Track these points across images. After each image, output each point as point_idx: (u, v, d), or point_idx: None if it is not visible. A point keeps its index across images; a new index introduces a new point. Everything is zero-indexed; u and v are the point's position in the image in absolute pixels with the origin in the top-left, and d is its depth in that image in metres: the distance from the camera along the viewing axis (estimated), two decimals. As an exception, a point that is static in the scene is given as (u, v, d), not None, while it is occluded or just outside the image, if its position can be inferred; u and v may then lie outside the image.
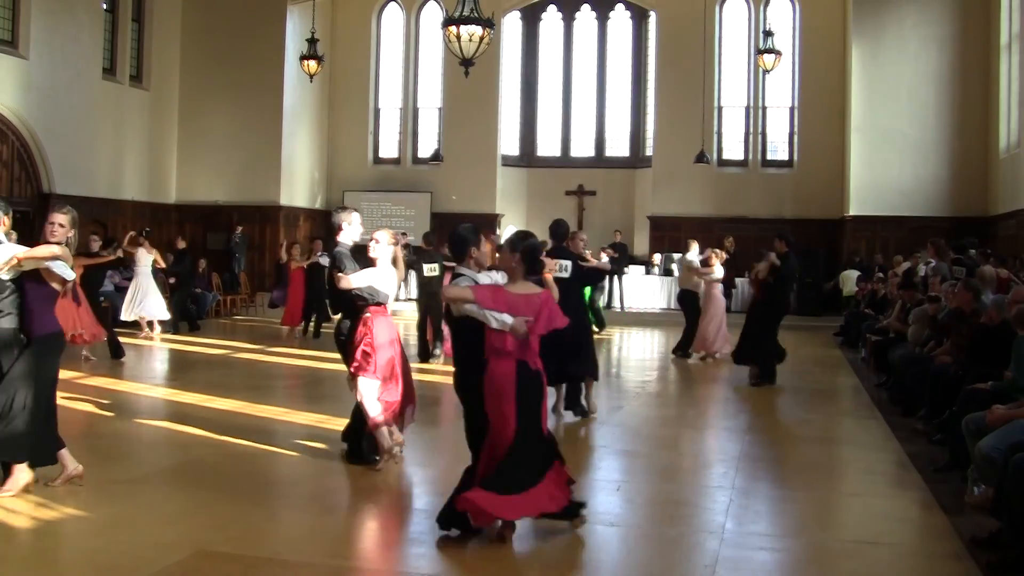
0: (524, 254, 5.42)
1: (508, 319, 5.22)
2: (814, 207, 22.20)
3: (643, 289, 21.79)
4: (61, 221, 6.17)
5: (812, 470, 7.57)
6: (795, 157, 23.26)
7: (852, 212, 21.20)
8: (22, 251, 5.95)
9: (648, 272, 22.07)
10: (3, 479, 6.07)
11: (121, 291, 16.36)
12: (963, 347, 8.26)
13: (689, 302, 14.35)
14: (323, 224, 23.47)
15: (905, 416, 9.20)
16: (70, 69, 18.75)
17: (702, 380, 12.80)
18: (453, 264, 13.82)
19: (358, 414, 7.12)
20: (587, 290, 13.16)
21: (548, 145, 25.61)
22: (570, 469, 5.69)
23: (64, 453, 6.20)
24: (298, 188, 23.52)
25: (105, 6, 20.08)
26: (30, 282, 6.00)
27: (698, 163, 21.62)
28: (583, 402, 9.26)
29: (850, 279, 19.39)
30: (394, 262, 7.09)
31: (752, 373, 11.70)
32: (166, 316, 16.11)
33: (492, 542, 5.34)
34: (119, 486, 6.38)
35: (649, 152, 24.26)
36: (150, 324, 15.83)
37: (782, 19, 22.88)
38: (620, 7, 25.13)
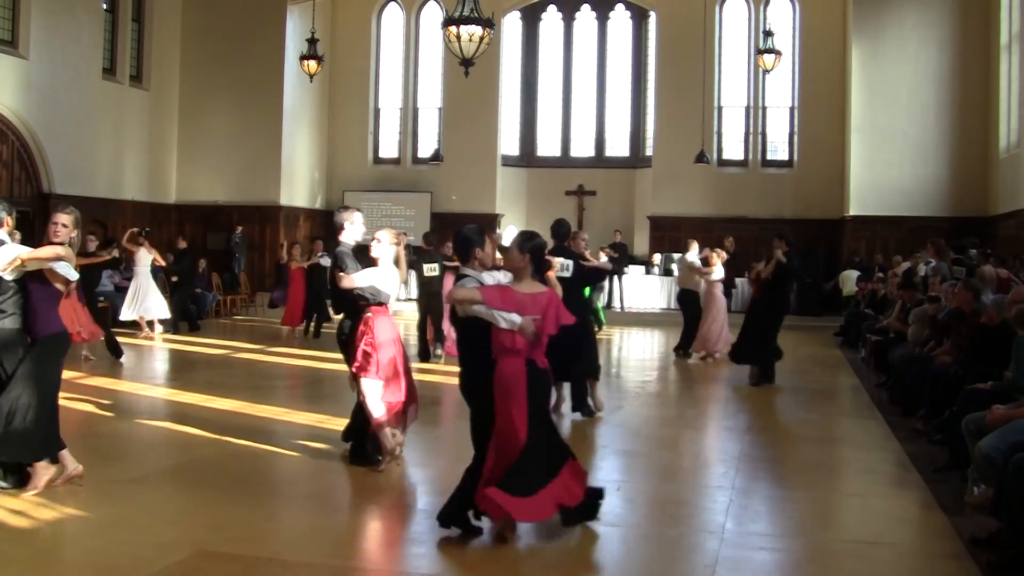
0: (532, 254, 5.45)
1: (517, 319, 5.24)
2: (814, 207, 22.20)
3: (643, 289, 21.79)
4: (64, 221, 6.18)
5: (812, 470, 7.57)
6: (795, 157, 23.26)
7: (852, 212, 21.20)
8: (25, 252, 5.95)
9: (648, 272, 22.07)
10: (4, 477, 6.08)
11: (121, 291, 16.38)
12: (963, 347, 8.27)
13: (689, 302, 14.37)
14: (323, 224, 23.49)
15: (905, 416, 9.21)
16: (70, 69, 18.75)
17: (702, 380, 12.80)
18: (453, 264, 13.90)
19: (358, 414, 7.12)
20: (586, 290, 13.17)
21: (548, 145, 25.61)
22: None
23: (64, 453, 6.22)
24: (298, 188, 23.52)
25: (105, 6, 20.07)
26: (34, 283, 6.01)
27: (698, 163, 21.62)
28: (589, 402, 9.28)
29: (850, 279, 19.40)
30: (396, 262, 7.09)
31: (752, 373, 11.70)
32: (167, 315, 16.11)
33: (493, 542, 5.35)
34: (119, 486, 6.38)
35: (649, 152, 24.26)
36: (150, 324, 15.84)
37: (782, 19, 22.88)
38: (620, 7, 25.13)
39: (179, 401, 9.96)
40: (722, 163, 23.55)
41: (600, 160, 25.19)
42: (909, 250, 17.10)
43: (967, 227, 18.22)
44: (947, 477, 6.77)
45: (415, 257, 13.02)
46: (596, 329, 14.23)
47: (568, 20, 25.49)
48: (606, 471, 7.50)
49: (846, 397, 11.45)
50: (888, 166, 20.68)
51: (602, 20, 25.33)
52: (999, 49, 19.33)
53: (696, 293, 14.34)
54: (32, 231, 15.85)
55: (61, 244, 6.09)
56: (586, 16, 25.42)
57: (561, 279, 8.31)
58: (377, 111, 25.12)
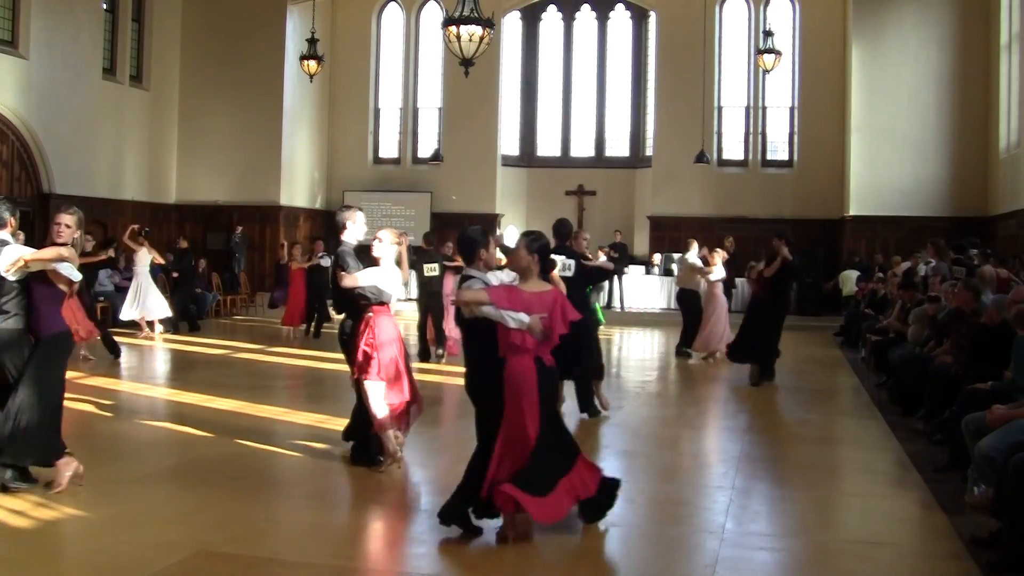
0: (539, 253, 5.49)
1: (525, 318, 5.27)
2: (814, 207, 22.20)
3: (643, 289, 21.79)
4: (67, 222, 6.19)
5: (812, 470, 7.57)
6: (795, 157, 23.26)
7: (852, 212, 21.20)
8: (28, 252, 5.96)
9: (648, 272, 22.06)
10: (21, 478, 6.08)
11: (121, 291, 16.40)
12: (963, 347, 8.26)
13: (689, 301, 14.39)
14: (323, 224, 23.50)
15: (905, 416, 9.21)
16: (70, 69, 18.74)
17: (702, 380, 12.80)
18: (454, 264, 13.90)
19: (359, 414, 7.11)
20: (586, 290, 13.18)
21: (548, 145, 25.61)
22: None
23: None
24: (298, 188, 23.52)
25: (105, 6, 20.07)
26: (37, 283, 6.01)
27: (698, 163, 21.61)
28: (596, 402, 9.30)
29: (850, 279, 19.40)
30: (398, 262, 7.08)
31: (752, 372, 11.71)
32: (169, 313, 16.10)
33: (494, 542, 5.35)
34: (119, 486, 6.38)
35: (649, 152, 24.26)
36: (150, 324, 15.83)
37: (782, 19, 22.87)
38: (620, 7, 25.12)
39: (179, 401, 9.96)
40: (722, 163, 23.55)
41: (600, 160, 25.18)
42: (909, 250, 17.10)
43: (967, 227, 18.22)
44: (947, 477, 6.77)
45: (415, 257, 13.02)
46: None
47: (568, 20, 25.49)
48: (606, 471, 7.45)
49: (846, 397, 11.45)
50: (888, 166, 20.68)
51: (602, 20, 25.33)
52: (999, 49, 19.33)
53: (696, 293, 14.36)
54: (32, 231, 15.85)
55: (64, 244, 6.09)
56: (586, 16, 25.41)
57: (563, 278, 8.33)
58: (377, 111, 25.11)
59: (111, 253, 14.00)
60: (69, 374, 6.62)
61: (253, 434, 8.10)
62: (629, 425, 9.29)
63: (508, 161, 24.74)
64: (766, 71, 19.16)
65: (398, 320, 7.21)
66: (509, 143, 25.03)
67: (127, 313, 15.61)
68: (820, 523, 6.17)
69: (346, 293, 6.97)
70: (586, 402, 9.24)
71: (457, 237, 6.13)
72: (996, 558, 5.03)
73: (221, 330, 17.86)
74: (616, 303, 21.21)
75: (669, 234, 22.74)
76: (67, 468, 6.12)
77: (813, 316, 19.78)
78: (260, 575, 4.92)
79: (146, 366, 13.35)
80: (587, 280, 9.59)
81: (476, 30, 10.91)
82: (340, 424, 7.62)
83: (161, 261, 16.35)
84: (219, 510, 5.96)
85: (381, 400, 6.82)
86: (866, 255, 20.28)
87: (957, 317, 8.75)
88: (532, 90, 25.50)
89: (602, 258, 13.43)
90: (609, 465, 7.74)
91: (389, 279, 6.96)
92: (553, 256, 6.27)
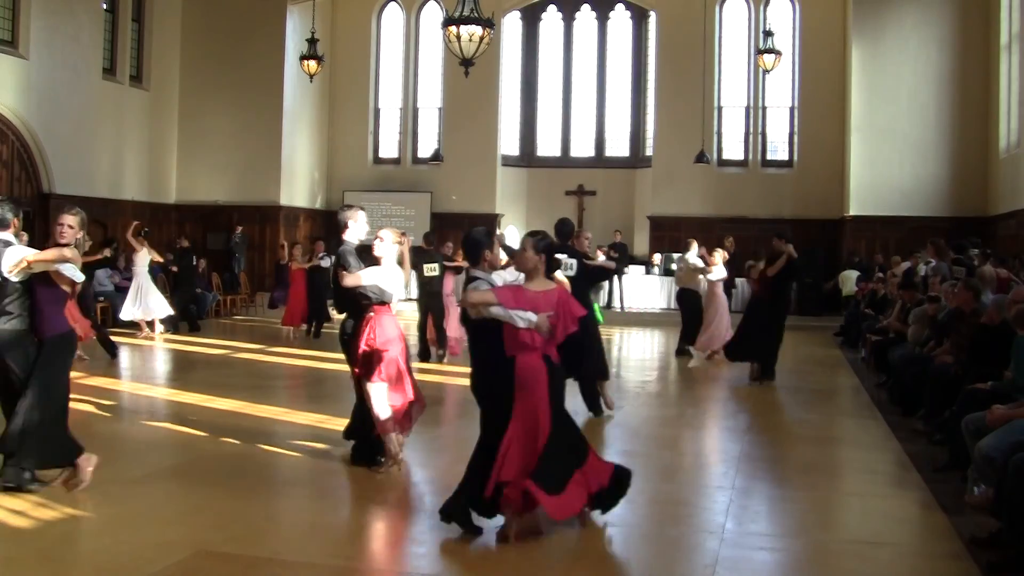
0: (545, 253, 5.54)
1: (533, 317, 5.30)
2: (814, 207, 22.20)
3: (643, 289, 21.79)
4: (70, 223, 6.19)
5: (812, 470, 7.56)
6: (795, 157, 23.26)
7: (852, 212, 21.20)
8: (31, 254, 5.97)
9: (648, 272, 22.06)
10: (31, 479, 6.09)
11: (121, 291, 16.41)
12: (963, 347, 8.26)
13: (689, 301, 14.40)
14: (323, 224, 23.51)
15: (905, 416, 9.21)
16: (70, 69, 18.74)
17: (702, 380, 12.81)
18: (454, 264, 13.89)
19: (359, 413, 7.11)
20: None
21: (548, 145, 25.60)
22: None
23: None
24: (298, 188, 23.52)
25: (105, 6, 20.07)
26: (40, 284, 6.02)
27: (698, 163, 21.61)
28: (601, 402, 9.31)
29: (849, 279, 19.40)
30: (400, 261, 7.06)
31: (753, 370, 11.73)
32: (170, 311, 16.11)
33: (495, 541, 5.35)
34: (119, 486, 6.38)
35: (649, 152, 24.26)
36: (150, 324, 15.84)
37: (782, 19, 22.87)
38: (620, 7, 25.12)
39: (179, 401, 9.96)
40: (722, 163, 23.55)
41: (600, 160, 25.18)
42: (909, 250, 17.09)
43: (967, 227, 18.21)
44: (947, 477, 6.77)
45: (415, 257, 13.02)
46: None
47: (568, 20, 25.49)
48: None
49: (846, 397, 11.45)
50: (888, 166, 20.68)
51: (602, 20, 25.32)
52: (999, 49, 19.33)
53: (696, 292, 14.37)
54: (32, 231, 15.85)
55: (67, 245, 6.09)
56: (586, 16, 25.41)
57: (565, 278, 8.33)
58: (377, 111, 25.11)
59: (107, 253, 13.99)
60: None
61: (253, 434, 8.10)
62: (629, 425, 9.29)
63: (508, 161, 24.74)
64: (766, 71, 19.17)
65: (398, 320, 7.20)
66: (509, 143, 25.03)
67: (129, 313, 15.61)
68: (820, 523, 6.17)
69: (347, 293, 6.95)
70: (591, 402, 9.26)
71: (462, 238, 6.14)
72: (996, 558, 5.03)
73: (221, 330, 17.87)
74: (616, 303, 21.21)
75: (669, 234, 22.74)
76: (88, 463, 6.17)
77: (813, 316, 19.78)
78: (260, 575, 4.92)
79: (146, 366, 13.35)
80: (589, 279, 9.62)
81: (476, 30, 10.91)
82: (340, 424, 7.62)
83: (160, 260, 16.36)
84: (219, 510, 5.96)
85: (384, 402, 6.81)
86: (866, 255, 20.28)
87: (957, 317, 8.75)
88: (532, 90, 25.50)
89: (601, 258, 13.44)
90: (609, 465, 7.76)
91: (391, 278, 6.94)
92: (557, 255, 6.29)
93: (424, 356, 13.13)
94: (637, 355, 16.06)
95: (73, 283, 6.14)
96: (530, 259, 5.49)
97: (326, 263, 16.12)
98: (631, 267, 21.93)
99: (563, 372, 5.62)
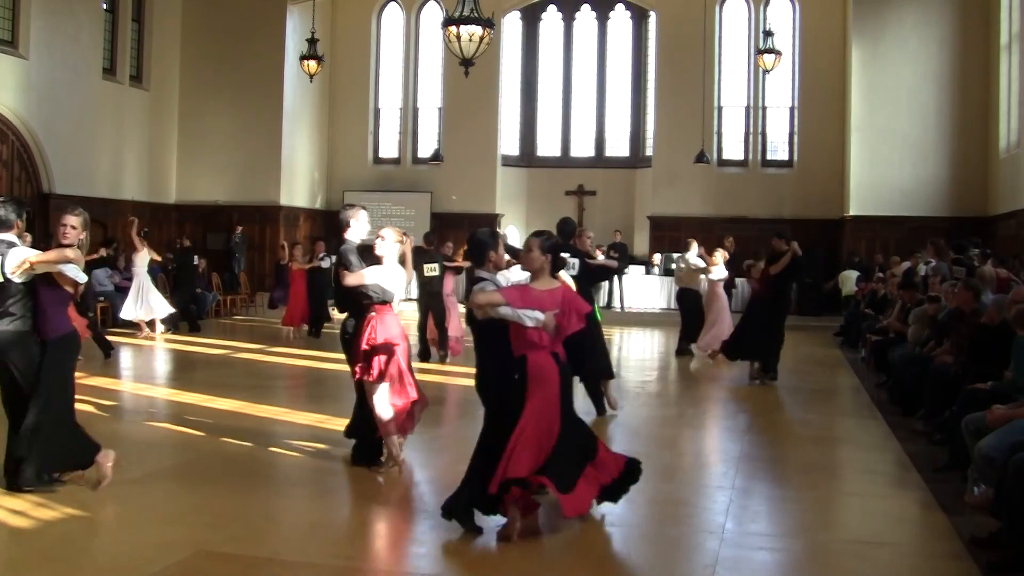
0: (551, 252, 5.58)
1: (541, 316, 5.33)
2: (814, 207, 22.20)
3: (643, 289, 21.79)
4: (73, 223, 6.18)
5: (812, 470, 7.56)
6: (795, 157, 23.26)
7: (852, 212, 21.20)
8: (34, 255, 5.96)
9: (648, 272, 22.06)
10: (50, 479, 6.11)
11: (121, 291, 16.41)
12: (963, 347, 8.26)
13: (689, 301, 14.41)
14: (323, 224, 23.51)
15: (905, 416, 9.21)
16: (70, 69, 18.74)
17: (702, 380, 12.81)
18: (453, 264, 13.88)
19: (360, 412, 7.09)
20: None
21: (548, 145, 25.60)
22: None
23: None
24: (298, 188, 23.52)
25: (105, 6, 20.07)
26: (43, 285, 6.02)
27: (698, 163, 21.61)
28: (605, 402, 9.32)
29: (849, 279, 19.41)
30: (402, 261, 7.05)
31: (753, 369, 11.74)
32: (172, 309, 16.10)
33: (495, 541, 5.35)
34: (119, 486, 6.37)
35: (649, 152, 24.26)
36: (150, 324, 15.84)
37: (782, 19, 22.87)
38: (620, 7, 25.12)
39: (179, 401, 9.95)
40: (722, 163, 23.55)
41: (600, 160, 25.18)
42: (909, 250, 17.10)
43: (967, 227, 18.21)
44: (947, 477, 6.77)
45: (415, 257, 13.00)
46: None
47: (568, 20, 25.49)
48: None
49: (846, 397, 11.45)
50: (888, 166, 20.68)
51: (602, 20, 25.32)
52: (999, 49, 19.33)
53: (697, 292, 14.38)
54: (32, 231, 15.83)
55: (70, 246, 6.09)
56: (586, 16, 25.41)
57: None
58: (377, 111, 25.12)
59: (103, 252, 13.99)
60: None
61: (253, 434, 8.10)
62: (629, 425, 9.29)
63: (508, 161, 24.74)
64: (766, 71, 19.17)
65: (399, 320, 7.18)
66: (509, 143, 25.03)
67: (131, 312, 15.60)
68: (820, 523, 6.17)
69: (349, 292, 6.94)
70: (594, 401, 9.26)
71: (467, 239, 6.15)
72: (996, 558, 5.03)
73: (221, 330, 17.87)
74: (616, 303, 21.20)
75: (669, 234, 22.74)
76: (107, 459, 6.21)
77: (813, 316, 19.78)
78: (260, 575, 4.92)
79: (146, 366, 13.35)
80: (591, 278, 9.63)
81: (476, 30, 10.91)
82: (340, 424, 7.61)
83: (159, 259, 16.38)
84: (219, 510, 5.96)
85: (386, 403, 6.80)
86: (866, 255, 20.28)
87: (957, 317, 8.75)
88: (532, 90, 25.50)
89: (600, 258, 13.45)
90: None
91: (392, 277, 6.93)
92: (562, 255, 6.32)
93: (424, 356, 13.13)
94: (637, 355, 16.06)
95: (76, 284, 6.14)
96: (536, 259, 5.53)
97: (326, 264, 16.12)
98: (631, 267, 21.93)
99: (570, 371, 5.66)
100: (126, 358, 13.53)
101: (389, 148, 25.10)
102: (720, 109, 23.63)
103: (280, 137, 22.53)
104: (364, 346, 6.79)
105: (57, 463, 6.12)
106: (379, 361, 6.74)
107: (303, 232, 23.05)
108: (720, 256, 14.38)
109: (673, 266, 20.35)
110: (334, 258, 7.49)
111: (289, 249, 18.09)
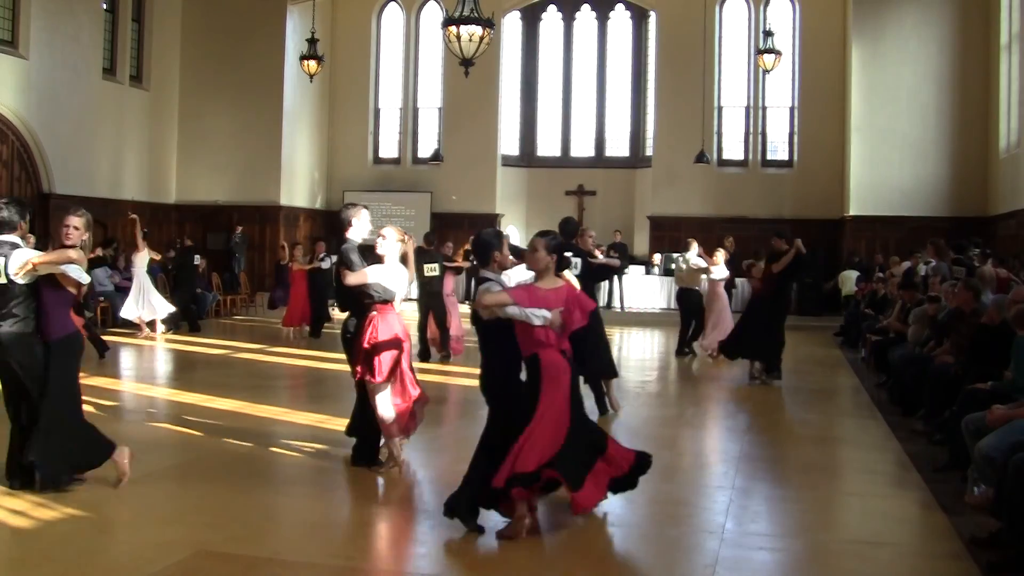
0: (556, 252, 5.62)
1: (548, 314, 5.37)
2: (814, 207, 22.19)
3: (643, 289, 21.79)
4: (76, 224, 6.18)
5: (812, 470, 7.57)
6: (795, 157, 23.26)
7: (852, 212, 21.20)
8: (37, 256, 5.96)
9: (648, 272, 22.06)
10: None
11: (122, 291, 16.41)
12: (963, 347, 8.26)
13: (690, 300, 14.41)
14: (323, 224, 23.51)
15: (905, 416, 9.21)
16: (70, 69, 18.74)
17: (702, 380, 12.81)
18: (454, 264, 13.86)
19: (360, 411, 7.09)
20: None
21: (548, 145, 25.60)
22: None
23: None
24: (298, 188, 23.52)
25: (105, 6, 20.07)
26: (46, 286, 6.02)
27: (698, 163, 21.61)
28: (607, 401, 9.33)
29: (849, 279, 19.41)
30: (404, 260, 7.04)
31: (753, 371, 11.73)
32: (172, 308, 16.10)
33: (496, 540, 5.35)
34: (119, 486, 6.38)
35: (649, 152, 24.26)
36: (151, 324, 15.83)
37: (782, 19, 22.87)
38: (620, 7, 25.12)
39: (179, 401, 9.95)
40: (722, 163, 23.55)
41: (600, 160, 25.18)
42: (909, 250, 17.10)
43: (967, 227, 18.21)
44: (947, 477, 6.77)
45: (416, 257, 13.00)
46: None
47: (568, 20, 25.49)
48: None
49: (846, 397, 11.45)
50: (888, 166, 20.68)
51: (602, 20, 25.33)
52: (999, 49, 19.33)
53: (696, 292, 14.39)
54: (33, 232, 15.82)
55: (72, 247, 6.09)
56: (586, 16, 25.41)
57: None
58: (377, 111, 25.12)
59: (99, 252, 13.99)
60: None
61: (253, 434, 8.10)
62: (629, 425, 9.28)
63: (508, 161, 24.74)
64: (766, 71, 19.17)
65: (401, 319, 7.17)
66: (509, 143, 25.03)
67: (132, 312, 15.59)
68: (820, 523, 6.17)
69: (350, 291, 6.93)
70: (598, 401, 9.26)
71: (472, 239, 6.16)
72: (996, 558, 5.03)
73: (221, 330, 17.87)
74: (616, 303, 21.20)
75: (669, 234, 22.74)
76: (123, 456, 6.24)
77: (813, 316, 19.78)
78: (260, 575, 4.92)
79: (146, 366, 13.35)
80: (593, 277, 9.64)
81: (476, 30, 10.91)
82: (340, 424, 7.61)
83: (159, 257, 16.38)
84: (219, 510, 5.96)
85: (388, 405, 6.79)
86: (866, 255, 20.28)
87: (957, 317, 8.75)
88: (532, 90, 25.50)
89: (601, 257, 13.47)
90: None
91: (394, 276, 6.92)
92: (566, 254, 6.35)
93: (424, 356, 13.13)
94: (637, 355, 16.05)
95: (79, 285, 6.14)
96: (542, 259, 5.57)
97: (326, 264, 16.12)
98: (631, 267, 21.93)
99: (576, 368, 5.69)
100: (126, 358, 13.54)
101: (389, 148, 25.10)
102: (720, 109, 23.63)
103: (280, 137, 22.52)
104: (365, 345, 6.79)
105: (76, 464, 6.14)
106: (382, 361, 6.72)
107: (303, 232, 23.05)
108: (721, 256, 14.38)
109: (673, 266, 20.37)
110: (334, 258, 7.48)
111: (289, 250, 18.09)
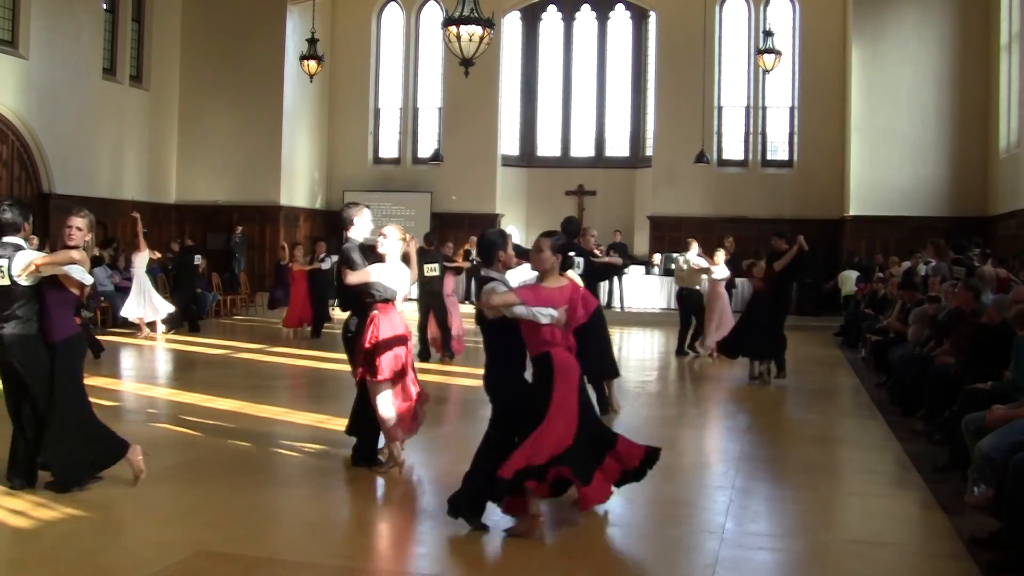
0: (560, 252, 5.66)
1: (554, 313, 5.40)
2: (814, 207, 22.19)
3: (643, 289, 21.79)
4: (79, 225, 6.18)
5: (812, 470, 7.57)
6: (795, 157, 23.26)
7: (852, 212, 21.20)
8: (40, 257, 5.96)
9: (648, 272, 22.06)
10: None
11: (122, 291, 16.42)
12: (963, 347, 8.26)
13: (690, 300, 14.42)
14: (323, 224, 23.51)
15: (905, 416, 9.21)
16: (70, 69, 18.75)
17: (702, 380, 12.81)
18: (454, 264, 13.85)
19: (360, 410, 7.08)
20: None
21: (548, 145, 25.61)
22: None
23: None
24: (298, 188, 23.52)
25: (105, 6, 20.08)
26: (48, 288, 6.02)
27: (698, 163, 21.62)
28: (609, 401, 9.33)
29: (849, 279, 19.41)
30: (406, 259, 7.03)
31: (755, 370, 11.74)
32: (172, 308, 16.10)
33: (495, 542, 5.35)
34: (119, 486, 6.37)
35: (649, 152, 24.26)
36: (151, 325, 15.84)
37: (782, 19, 22.88)
38: (620, 7, 25.13)
39: (179, 401, 9.95)
40: (722, 163, 23.55)
41: (600, 160, 25.19)
42: (909, 250, 17.11)
43: (967, 227, 18.22)
44: (947, 477, 6.77)
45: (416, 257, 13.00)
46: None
47: (568, 20, 25.50)
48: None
49: (846, 397, 11.45)
50: (888, 166, 20.69)
51: (602, 20, 25.33)
52: (999, 49, 19.33)
53: (697, 292, 14.39)
54: (32, 232, 15.83)
55: (75, 248, 6.09)
56: (586, 16, 25.42)
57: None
58: (377, 111, 25.12)
59: (97, 252, 14.00)
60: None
61: (253, 434, 8.10)
62: (629, 425, 9.26)
63: (508, 161, 24.75)
64: (766, 71, 19.17)
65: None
66: (509, 143, 25.03)
67: (134, 312, 15.59)
68: (820, 523, 6.17)
69: (351, 290, 6.92)
70: (599, 400, 9.26)
71: (476, 239, 6.18)
72: (996, 558, 5.03)
73: (221, 330, 17.86)
74: (616, 303, 21.20)
75: (669, 234, 22.74)
76: (136, 454, 6.26)
77: (813, 316, 19.77)
78: (260, 575, 4.92)
79: (146, 366, 13.34)
80: (596, 277, 9.65)
81: (476, 30, 10.91)
82: (340, 424, 7.60)
83: (158, 256, 16.39)
84: (219, 510, 5.96)
85: (390, 405, 6.78)
86: (866, 255, 20.28)
87: (957, 317, 8.75)
88: (532, 90, 25.51)
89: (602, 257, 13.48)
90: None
91: (395, 275, 6.91)
92: (570, 254, 6.38)
93: (424, 356, 13.12)
94: (637, 355, 16.05)
95: (83, 286, 6.14)
96: (548, 259, 5.59)
97: (327, 265, 16.12)
98: (631, 267, 21.92)
99: (579, 364, 5.72)
100: (126, 358, 13.54)
101: (389, 148, 25.11)
102: (720, 109, 23.64)
103: (280, 137, 22.53)
104: (367, 344, 6.78)
105: (95, 463, 6.16)
106: (383, 361, 6.71)
107: (303, 232, 23.05)
108: (721, 256, 14.38)
109: (673, 266, 20.36)
110: (335, 258, 7.49)
111: (290, 250, 18.09)
